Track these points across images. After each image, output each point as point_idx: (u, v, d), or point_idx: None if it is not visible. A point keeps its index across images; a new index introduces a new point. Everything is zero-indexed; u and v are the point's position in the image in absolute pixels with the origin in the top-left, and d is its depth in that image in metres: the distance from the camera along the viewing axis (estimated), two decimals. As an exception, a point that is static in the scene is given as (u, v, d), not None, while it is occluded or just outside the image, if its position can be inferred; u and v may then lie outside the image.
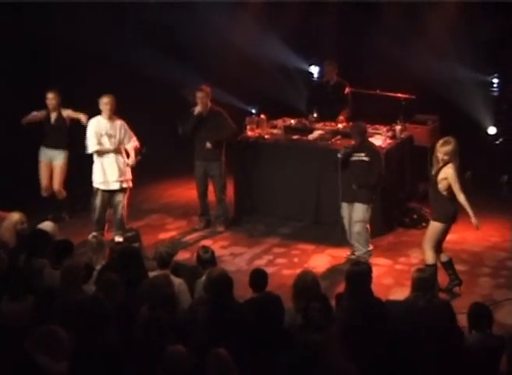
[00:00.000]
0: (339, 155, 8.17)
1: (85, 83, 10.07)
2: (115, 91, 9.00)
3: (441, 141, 7.44)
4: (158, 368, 4.66)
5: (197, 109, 9.09)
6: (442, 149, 7.32)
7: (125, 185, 8.92)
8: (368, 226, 8.28)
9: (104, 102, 8.70)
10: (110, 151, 8.78)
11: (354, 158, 8.20)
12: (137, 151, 9.06)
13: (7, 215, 7.57)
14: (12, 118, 9.59)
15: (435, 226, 7.45)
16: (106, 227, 9.10)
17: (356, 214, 8.18)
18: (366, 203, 8.18)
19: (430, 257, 7.48)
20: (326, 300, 5.79)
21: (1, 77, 9.80)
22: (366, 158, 8.14)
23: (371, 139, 9.31)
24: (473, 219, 7.36)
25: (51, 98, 9.30)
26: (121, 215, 8.96)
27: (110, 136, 8.77)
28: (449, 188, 7.31)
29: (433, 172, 7.40)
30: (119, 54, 10.63)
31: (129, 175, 8.96)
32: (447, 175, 7.28)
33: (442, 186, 7.31)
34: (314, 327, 5.31)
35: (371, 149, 8.26)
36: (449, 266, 7.60)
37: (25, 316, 5.46)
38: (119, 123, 8.84)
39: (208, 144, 9.09)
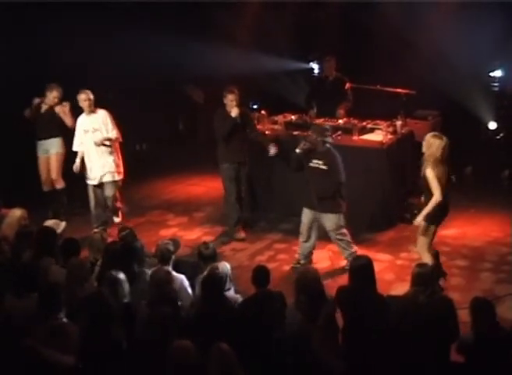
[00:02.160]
0: (297, 150, 7.94)
1: (85, 81, 10.09)
2: (115, 87, 9.02)
3: (432, 133, 7.38)
4: (164, 363, 4.67)
5: (235, 112, 8.73)
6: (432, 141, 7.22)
7: (114, 177, 8.93)
8: (344, 230, 8.03)
9: (82, 99, 8.74)
10: (90, 151, 8.78)
11: (313, 165, 7.89)
12: (119, 142, 9.04)
13: (9, 211, 7.59)
14: (11, 114, 9.61)
15: (422, 227, 7.34)
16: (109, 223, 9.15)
17: (327, 224, 7.96)
18: (333, 212, 7.91)
19: (428, 258, 7.47)
20: (322, 296, 5.79)
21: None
22: (324, 167, 7.82)
23: (370, 135, 9.36)
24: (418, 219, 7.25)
25: (54, 95, 9.25)
26: (111, 205, 9.02)
27: (94, 130, 8.81)
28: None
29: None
30: (119, 50, 10.65)
31: (118, 168, 8.96)
32: (426, 173, 7.14)
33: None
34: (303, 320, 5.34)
35: (329, 157, 7.84)
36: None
37: (28, 313, 5.47)
38: (101, 114, 8.85)
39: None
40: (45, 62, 10.00)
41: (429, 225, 7.30)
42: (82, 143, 8.92)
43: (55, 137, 9.43)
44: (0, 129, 9.75)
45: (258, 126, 9.75)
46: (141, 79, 11.08)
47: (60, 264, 6.54)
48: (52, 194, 9.60)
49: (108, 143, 8.85)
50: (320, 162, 7.84)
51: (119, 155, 9.01)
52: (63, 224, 7.65)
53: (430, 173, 7.11)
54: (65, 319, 5.06)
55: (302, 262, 8.17)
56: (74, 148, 8.99)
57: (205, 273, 6.31)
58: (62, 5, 9.90)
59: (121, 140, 9.02)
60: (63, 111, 9.27)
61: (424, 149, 7.23)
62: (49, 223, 7.52)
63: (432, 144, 7.16)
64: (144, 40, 10.79)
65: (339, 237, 8.03)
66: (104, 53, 10.55)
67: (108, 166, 8.88)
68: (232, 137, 8.80)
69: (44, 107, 9.34)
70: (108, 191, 8.97)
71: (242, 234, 9.02)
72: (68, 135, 9.25)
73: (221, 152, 8.96)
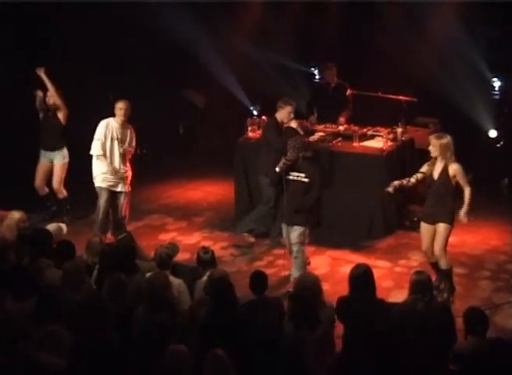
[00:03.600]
0: (277, 169, 7.80)
1: (85, 84, 10.14)
2: (115, 90, 9.04)
3: (436, 135, 7.48)
4: (160, 367, 4.66)
5: (295, 125, 8.53)
6: (437, 142, 7.32)
7: (125, 188, 8.90)
8: (304, 248, 7.89)
9: (119, 107, 8.62)
10: (107, 162, 8.69)
11: (293, 178, 7.73)
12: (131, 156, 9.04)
13: (7, 214, 7.59)
14: (9, 116, 9.63)
15: (446, 229, 7.39)
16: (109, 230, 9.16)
17: (293, 236, 7.82)
18: (303, 225, 7.80)
19: (446, 262, 7.49)
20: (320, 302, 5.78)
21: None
22: (305, 180, 7.66)
23: (370, 142, 9.36)
24: (463, 211, 7.31)
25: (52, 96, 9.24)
26: (120, 216, 8.97)
27: (120, 140, 8.71)
28: (453, 186, 7.32)
29: (436, 175, 7.37)
30: (120, 53, 10.68)
31: (130, 179, 8.94)
32: (456, 171, 7.28)
33: (449, 185, 7.31)
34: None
35: (311, 169, 7.74)
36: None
37: (27, 315, 5.46)
38: (129, 129, 8.81)
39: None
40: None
41: (451, 226, 7.39)
42: (103, 145, 8.67)
43: (59, 149, 9.42)
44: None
45: (259, 132, 9.75)
46: (142, 82, 11.11)
47: (57, 266, 6.52)
48: (47, 198, 9.57)
49: (129, 156, 8.87)
50: (301, 175, 7.71)
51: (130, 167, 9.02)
52: (65, 227, 7.67)
53: (459, 168, 7.24)
54: (59, 324, 5.05)
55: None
56: (93, 152, 8.69)
57: (205, 277, 6.31)
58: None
59: (133, 153, 9.03)
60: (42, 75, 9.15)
61: (436, 152, 7.30)
62: (51, 226, 7.51)
63: (444, 143, 7.28)
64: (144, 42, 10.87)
65: (299, 254, 7.81)
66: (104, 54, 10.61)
67: (124, 177, 8.84)
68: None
69: (49, 113, 9.31)
70: (121, 201, 8.89)
71: (251, 239, 9.00)
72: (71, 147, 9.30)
73: (265, 164, 8.66)
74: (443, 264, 7.48)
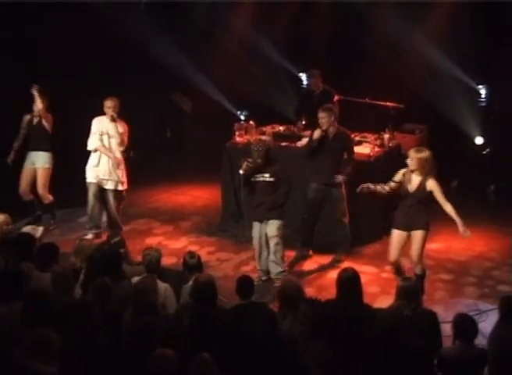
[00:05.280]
0: (241, 172, 7.94)
1: (80, 85, 10.13)
2: (103, 91, 9.05)
3: (415, 148, 7.50)
4: (147, 371, 4.65)
5: (317, 133, 8.41)
6: (415, 155, 7.32)
7: (117, 187, 9.00)
8: (281, 241, 7.98)
9: (108, 106, 8.87)
10: (108, 154, 8.90)
11: (259, 179, 7.91)
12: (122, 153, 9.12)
13: (-9, 217, 7.55)
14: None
15: (423, 236, 7.44)
16: (102, 229, 9.18)
17: (270, 230, 7.92)
18: (278, 218, 7.93)
19: (422, 267, 7.52)
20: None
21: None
22: (271, 179, 7.87)
23: (357, 148, 9.37)
24: (461, 228, 7.34)
25: (39, 102, 9.20)
26: (112, 215, 9.04)
27: (110, 136, 8.92)
28: (428, 199, 7.36)
29: (412, 188, 7.37)
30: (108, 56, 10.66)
31: (123, 178, 9.03)
32: (433, 188, 7.30)
33: (424, 198, 7.34)
34: None
35: (275, 168, 7.89)
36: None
37: (15, 319, 5.43)
38: (120, 125, 8.99)
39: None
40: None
41: (427, 232, 7.45)
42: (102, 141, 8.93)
43: (43, 150, 9.38)
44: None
45: (246, 136, 9.76)
46: (130, 84, 11.09)
47: (39, 269, 6.48)
48: (32, 203, 9.51)
49: (119, 153, 8.99)
50: (266, 175, 7.89)
51: (123, 166, 9.08)
52: (40, 229, 7.63)
53: (436, 185, 7.28)
54: (47, 328, 5.02)
55: (264, 278, 8.09)
56: (91, 147, 8.94)
57: (191, 282, 6.30)
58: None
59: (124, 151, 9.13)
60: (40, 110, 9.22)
61: (414, 165, 7.31)
62: (26, 228, 7.48)
63: (422, 157, 7.28)
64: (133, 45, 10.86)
65: (278, 247, 7.92)
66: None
67: (113, 174, 8.95)
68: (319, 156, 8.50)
69: (36, 119, 9.31)
70: (111, 199, 9.01)
71: (342, 257, 8.69)
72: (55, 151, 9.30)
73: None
74: (419, 269, 7.52)
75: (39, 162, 9.38)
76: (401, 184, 7.45)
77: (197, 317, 5.66)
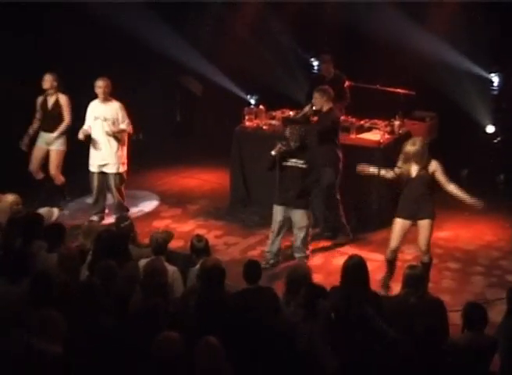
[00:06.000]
0: (273, 153, 7.89)
1: (84, 67, 10.06)
2: (114, 74, 9.00)
3: (409, 141, 7.43)
4: (151, 353, 4.66)
5: (307, 109, 8.75)
6: (411, 148, 7.27)
7: (118, 169, 8.97)
8: (310, 230, 8.14)
9: (98, 85, 8.77)
10: (97, 138, 8.83)
11: (291, 164, 7.91)
12: (128, 135, 9.10)
13: (1, 197, 7.55)
14: (5, 101, 9.57)
15: (430, 225, 7.39)
16: (106, 211, 9.20)
17: (299, 220, 7.99)
18: (306, 208, 8.01)
19: (429, 256, 7.50)
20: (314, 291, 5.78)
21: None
22: (304, 166, 7.88)
23: (367, 134, 9.35)
24: (470, 201, 7.28)
25: (47, 79, 9.15)
26: (117, 198, 9.04)
27: (105, 119, 8.84)
28: (432, 183, 7.31)
29: (414, 173, 7.32)
30: (121, 35, 10.60)
31: (122, 159, 8.98)
32: (435, 168, 7.24)
33: (429, 182, 7.29)
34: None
35: (310, 156, 7.94)
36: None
37: (22, 299, 5.45)
38: (115, 105, 8.88)
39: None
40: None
41: (434, 222, 7.39)
42: (90, 127, 8.90)
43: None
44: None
45: (256, 121, 9.73)
46: (140, 68, 11.07)
47: (47, 249, 6.49)
48: (44, 182, 9.52)
49: (118, 135, 8.89)
50: (300, 162, 7.88)
51: (125, 147, 9.03)
52: (56, 211, 7.65)
53: (438, 164, 7.24)
54: (53, 308, 5.04)
55: (271, 261, 8.15)
56: (79, 136, 8.85)
57: (198, 265, 6.30)
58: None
59: (131, 132, 9.06)
60: (64, 102, 9.21)
61: (411, 158, 7.29)
62: (42, 210, 7.49)
63: (416, 150, 7.26)
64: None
65: (302, 234, 8.03)
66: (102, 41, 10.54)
67: (113, 157, 8.90)
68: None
69: (50, 100, 9.24)
70: (112, 182, 8.99)
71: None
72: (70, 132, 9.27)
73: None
74: (427, 258, 7.48)
75: (54, 144, 9.29)
76: (403, 171, 7.38)
77: (203, 301, 5.65)
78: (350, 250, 8.38)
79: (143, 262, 6.36)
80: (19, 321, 4.87)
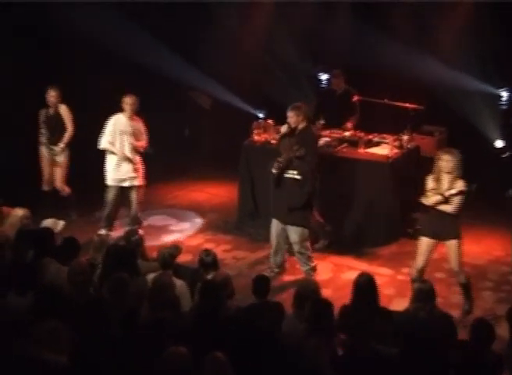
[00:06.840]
0: (273, 171, 7.92)
1: (91, 80, 10.12)
2: (124, 89, 9.06)
3: (446, 150, 7.39)
4: (157, 368, 4.65)
5: (284, 129, 8.52)
6: (452, 158, 7.21)
7: (136, 183, 9.04)
8: (307, 244, 8.08)
9: (128, 103, 8.89)
10: (118, 154, 8.91)
11: (288, 176, 7.92)
12: (142, 150, 9.16)
13: (10, 210, 7.58)
14: (12, 113, 9.64)
15: (458, 245, 7.30)
16: (115, 224, 9.24)
17: (291, 236, 8.00)
18: (299, 225, 7.96)
19: (465, 276, 7.47)
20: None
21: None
22: (298, 177, 7.87)
23: (376, 148, 9.35)
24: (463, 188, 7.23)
25: (52, 95, 9.33)
26: (136, 211, 9.13)
27: (129, 134, 8.95)
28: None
29: (445, 192, 7.21)
30: (128, 51, 10.64)
31: (140, 173, 9.07)
32: (460, 188, 7.20)
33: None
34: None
35: (303, 167, 7.88)
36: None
37: (29, 311, 5.46)
38: (138, 123, 9.05)
39: None
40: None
41: (461, 241, 7.35)
42: (111, 143, 8.93)
43: (61, 143, 9.51)
44: (1, 126, 9.72)
45: (264, 135, 9.73)
46: (149, 82, 11.10)
47: (61, 262, 6.51)
48: (53, 194, 9.61)
49: (140, 150, 9.05)
50: (295, 173, 7.88)
51: (139, 162, 9.14)
52: (61, 223, 7.66)
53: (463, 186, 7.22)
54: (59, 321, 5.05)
55: (276, 270, 8.23)
56: (101, 146, 8.92)
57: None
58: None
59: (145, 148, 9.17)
60: (62, 111, 9.38)
61: (449, 168, 7.20)
62: (47, 222, 7.51)
63: (459, 160, 7.23)
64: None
65: (302, 250, 8.04)
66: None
67: (136, 171, 9.02)
68: None
69: (51, 111, 9.40)
70: (133, 196, 9.08)
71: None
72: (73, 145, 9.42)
73: None
74: (463, 278, 7.45)
75: (60, 156, 9.50)
76: (441, 191, 7.22)
77: (206, 315, 5.63)
78: (358, 264, 8.38)
79: (151, 277, 6.37)
80: (26, 332, 4.87)
